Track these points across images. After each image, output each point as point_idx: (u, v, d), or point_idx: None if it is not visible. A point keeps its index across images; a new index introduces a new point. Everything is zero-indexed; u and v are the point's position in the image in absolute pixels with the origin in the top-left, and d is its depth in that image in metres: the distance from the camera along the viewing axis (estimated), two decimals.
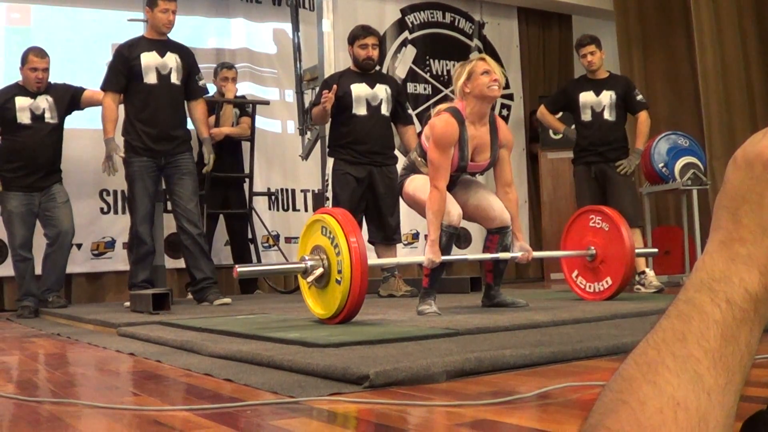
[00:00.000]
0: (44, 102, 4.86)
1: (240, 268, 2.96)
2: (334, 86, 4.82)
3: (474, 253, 6.88)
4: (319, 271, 2.89)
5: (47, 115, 4.86)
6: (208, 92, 5.14)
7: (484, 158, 3.40)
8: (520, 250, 3.43)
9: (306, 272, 2.93)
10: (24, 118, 4.81)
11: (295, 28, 6.15)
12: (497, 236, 3.43)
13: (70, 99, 4.96)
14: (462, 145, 3.29)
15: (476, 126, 3.35)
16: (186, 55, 4.78)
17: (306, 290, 3.08)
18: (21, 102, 4.81)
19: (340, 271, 2.82)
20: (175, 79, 4.67)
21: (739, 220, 0.53)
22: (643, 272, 4.77)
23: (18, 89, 4.86)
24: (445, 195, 3.22)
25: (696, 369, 0.50)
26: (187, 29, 5.71)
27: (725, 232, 0.54)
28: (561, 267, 4.02)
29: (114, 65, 4.66)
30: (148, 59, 4.61)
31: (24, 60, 4.83)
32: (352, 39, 5.02)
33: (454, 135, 3.25)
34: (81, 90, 5.02)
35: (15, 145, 4.80)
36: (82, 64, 5.56)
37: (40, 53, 4.84)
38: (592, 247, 3.78)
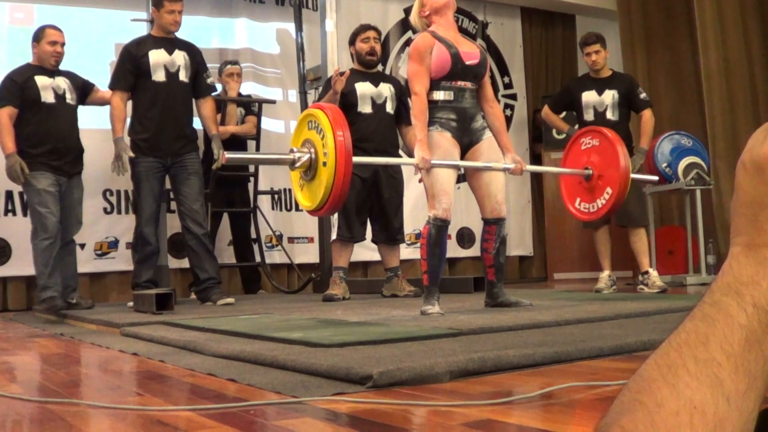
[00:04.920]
0: (63, 82, 4.68)
1: (228, 155, 3.05)
2: (347, 71, 4.80)
3: (476, 250, 6.87)
4: (306, 157, 2.93)
5: (68, 96, 4.69)
6: (216, 90, 5.13)
7: (472, 49, 3.49)
8: (512, 161, 3.47)
9: (294, 163, 2.96)
10: (48, 97, 4.60)
11: (298, 28, 6.16)
12: (494, 227, 3.47)
13: (82, 86, 4.83)
14: (441, 41, 3.39)
15: (449, 34, 3.47)
16: (194, 52, 4.77)
17: (297, 188, 3.11)
18: (42, 81, 4.60)
19: (326, 153, 2.86)
20: (183, 76, 4.66)
21: (761, 226, 0.52)
22: (647, 272, 4.76)
23: (34, 69, 4.64)
24: (424, 99, 3.32)
25: (717, 373, 0.49)
26: (191, 29, 5.71)
27: (748, 237, 0.53)
28: (564, 202, 4.02)
29: (122, 64, 4.63)
30: (157, 57, 4.60)
31: (40, 35, 4.63)
32: (353, 36, 5.02)
33: (428, 42, 3.38)
34: (92, 84, 4.91)
35: (42, 126, 4.56)
36: (86, 64, 5.56)
37: (57, 27, 4.69)
38: (589, 167, 3.81)
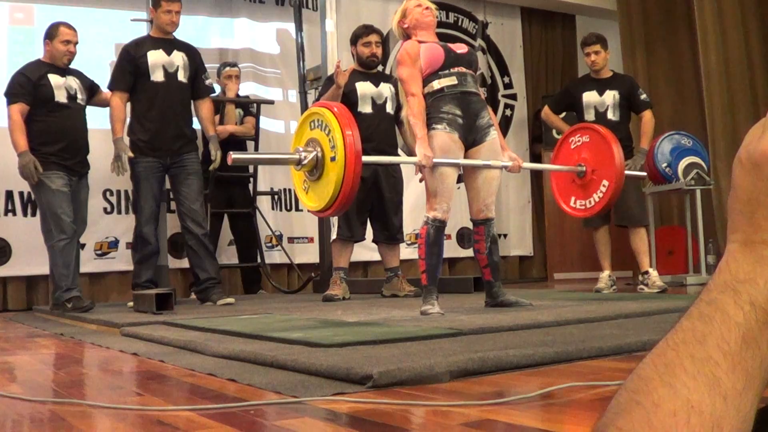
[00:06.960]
0: (74, 82, 4.65)
1: (234, 155, 2.99)
2: (350, 67, 4.81)
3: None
4: (312, 155, 2.89)
5: (79, 96, 4.66)
6: (214, 91, 5.14)
7: (458, 44, 3.56)
8: (509, 159, 3.48)
9: (299, 162, 2.92)
10: (61, 96, 4.55)
11: (299, 28, 6.16)
12: (482, 227, 3.49)
13: (90, 87, 4.81)
14: (428, 42, 3.45)
15: (431, 40, 3.52)
16: (192, 53, 4.78)
17: (301, 190, 3.06)
18: (55, 80, 4.55)
19: (333, 147, 2.81)
20: (182, 77, 4.67)
21: (759, 223, 0.52)
22: (647, 272, 4.76)
23: (47, 66, 4.58)
24: (422, 99, 3.35)
25: (714, 372, 0.49)
26: (191, 29, 5.72)
27: (745, 235, 0.52)
28: (557, 202, 4.00)
29: (121, 64, 4.64)
30: (155, 57, 4.60)
31: (53, 33, 4.58)
32: (355, 38, 5.02)
33: (416, 47, 3.42)
34: (98, 86, 4.89)
35: (55, 125, 4.52)
36: (86, 64, 5.56)
37: (71, 26, 4.65)
38: (582, 164, 3.81)
